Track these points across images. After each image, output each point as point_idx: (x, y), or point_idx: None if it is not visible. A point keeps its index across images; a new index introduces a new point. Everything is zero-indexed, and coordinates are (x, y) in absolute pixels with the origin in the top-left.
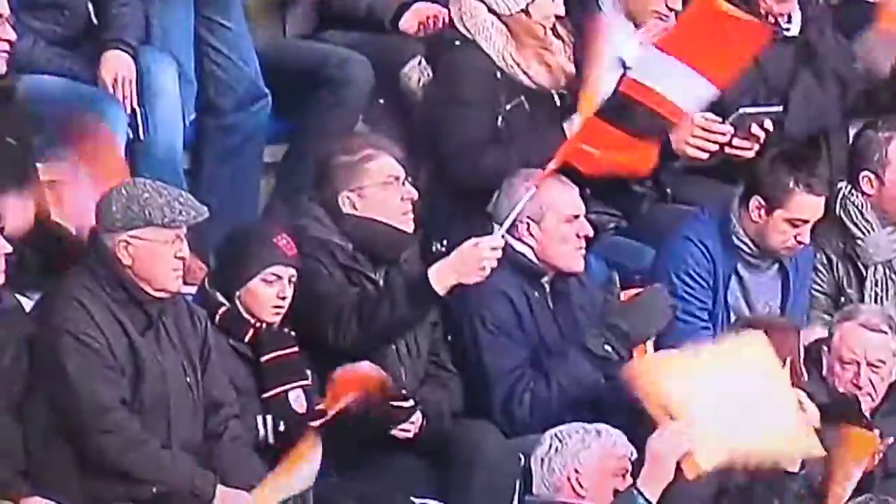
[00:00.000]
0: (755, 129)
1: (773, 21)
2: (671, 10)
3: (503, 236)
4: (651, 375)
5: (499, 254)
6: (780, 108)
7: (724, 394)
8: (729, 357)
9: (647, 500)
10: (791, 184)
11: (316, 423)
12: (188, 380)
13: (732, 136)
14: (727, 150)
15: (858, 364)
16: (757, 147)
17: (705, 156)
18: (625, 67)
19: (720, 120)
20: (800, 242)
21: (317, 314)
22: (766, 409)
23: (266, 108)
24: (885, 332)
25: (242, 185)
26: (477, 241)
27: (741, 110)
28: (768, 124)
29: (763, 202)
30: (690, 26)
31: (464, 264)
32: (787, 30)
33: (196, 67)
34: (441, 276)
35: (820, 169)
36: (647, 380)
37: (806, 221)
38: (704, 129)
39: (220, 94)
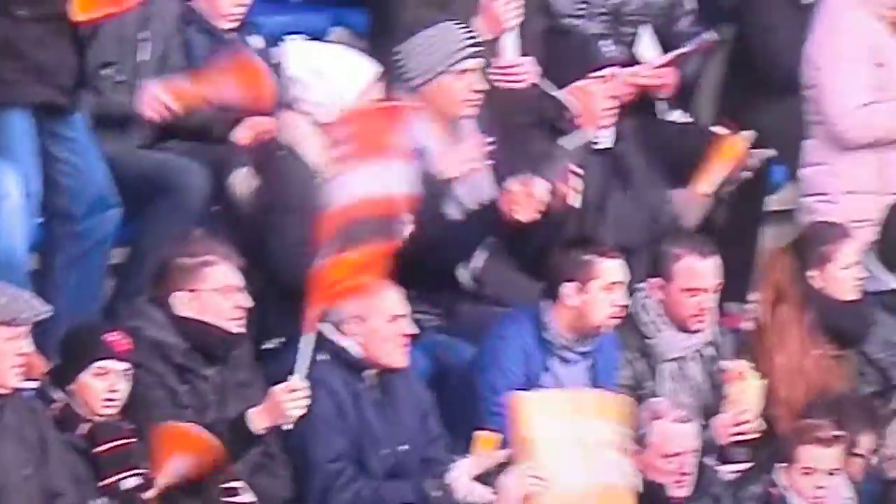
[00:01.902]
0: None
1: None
2: (479, 91)
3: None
4: (527, 410)
5: (304, 395)
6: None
7: (577, 439)
8: (591, 405)
9: None
10: (591, 256)
11: (149, 494)
12: (26, 472)
13: None
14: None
15: (680, 454)
16: None
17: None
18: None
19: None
20: (619, 307)
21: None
22: (607, 461)
23: (115, 215)
24: (691, 421)
25: (89, 287)
26: (279, 387)
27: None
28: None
29: (577, 283)
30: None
31: (273, 409)
32: (601, 141)
33: (46, 177)
34: (257, 420)
35: (616, 227)
36: (522, 413)
37: (618, 283)
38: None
39: (70, 201)
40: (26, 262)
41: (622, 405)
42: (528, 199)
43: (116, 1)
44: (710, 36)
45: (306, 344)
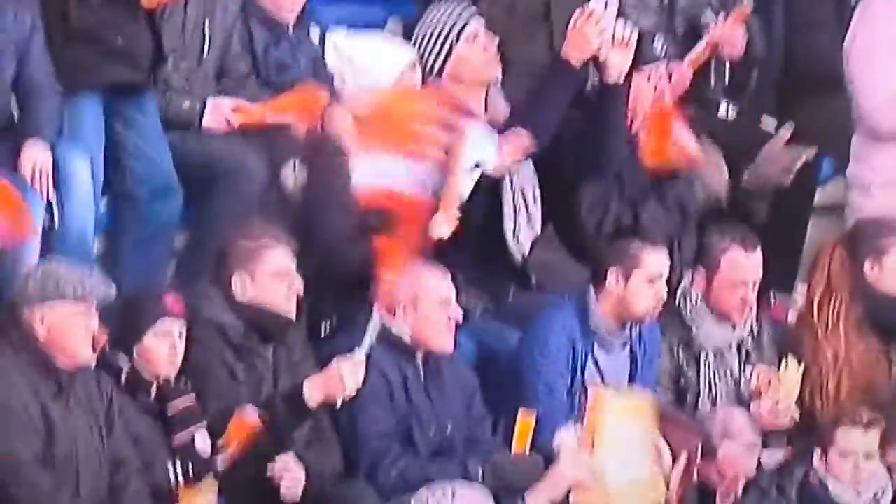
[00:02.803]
0: None
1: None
2: (493, 50)
3: (364, 352)
4: (601, 404)
5: (361, 372)
6: None
7: (635, 440)
8: (636, 407)
9: None
10: (638, 245)
11: (220, 460)
12: (95, 440)
13: None
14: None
15: (737, 474)
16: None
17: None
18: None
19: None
20: (658, 299)
21: (207, 409)
22: (640, 459)
23: (179, 200)
24: (757, 446)
25: (154, 268)
26: (339, 362)
27: None
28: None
29: (620, 271)
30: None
31: (329, 383)
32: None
33: (115, 161)
34: (312, 393)
35: (653, 228)
36: (596, 406)
37: (660, 275)
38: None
39: (136, 185)
40: (94, 244)
41: (654, 406)
42: (583, 29)
43: None
44: (742, 5)
45: (375, 321)
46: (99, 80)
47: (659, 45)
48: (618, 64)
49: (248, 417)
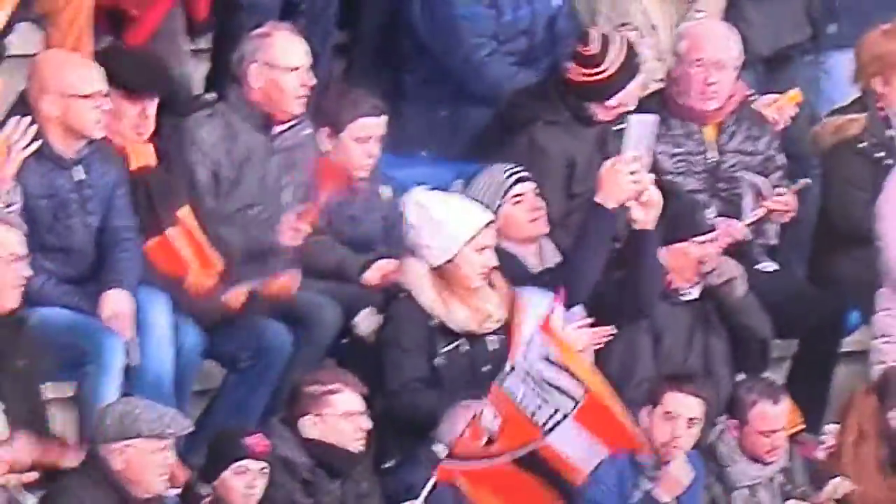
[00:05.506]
0: None
1: (674, 290)
2: (538, 208)
3: None
4: None
5: None
6: None
7: None
8: None
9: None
10: (664, 385)
11: None
12: None
13: None
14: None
15: None
16: None
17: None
18: None
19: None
20: (675, 437)
21: None
22: None
23: (283, 360)
24: None
25: (251, 408)
26: None
27: None
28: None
29: (647, 409)
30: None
31: None
32: (689, 293)
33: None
34: None
35: (694, 381)
36: None
37: (674, 414)
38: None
39: (238, 350)
40: (171, 383)
41: None
42: (616, 175)
43: None
44: (801, 183)
45: (431, 482)
46: None
47: (711, 214)
48: (642, 218)
49: None
